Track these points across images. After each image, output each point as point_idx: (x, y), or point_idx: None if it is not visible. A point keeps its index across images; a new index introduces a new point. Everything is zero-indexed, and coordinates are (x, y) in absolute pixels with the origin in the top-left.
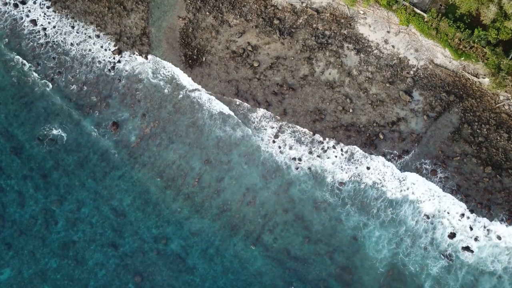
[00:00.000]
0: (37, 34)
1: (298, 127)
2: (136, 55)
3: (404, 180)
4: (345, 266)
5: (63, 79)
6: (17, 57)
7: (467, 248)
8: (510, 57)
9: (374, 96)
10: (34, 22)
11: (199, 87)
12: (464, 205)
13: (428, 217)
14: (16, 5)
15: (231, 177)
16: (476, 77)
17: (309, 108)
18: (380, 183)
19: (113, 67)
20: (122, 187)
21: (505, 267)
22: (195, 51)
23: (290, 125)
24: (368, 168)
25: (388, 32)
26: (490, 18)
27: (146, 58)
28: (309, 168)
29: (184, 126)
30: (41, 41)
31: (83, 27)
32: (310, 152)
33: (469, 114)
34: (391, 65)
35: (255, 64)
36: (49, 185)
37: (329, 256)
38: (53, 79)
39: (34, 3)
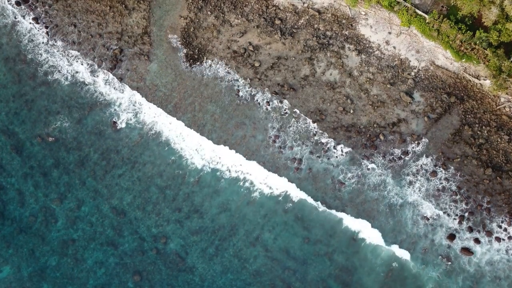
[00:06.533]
0: (39, 32)
1: (298, 127)
2: (137, 54)
3: (402, 180)
4: (344, 266)
5: (64, 78)
6: (19, 55)
7: (467, 250)
8: (511, 59)
9: (375, 97)
10: (35, 20)
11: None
12: (464, 207)
13: (427, 219)
14: (18, 3)
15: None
16: (477, 79)
17: (310, 109)
18: (380, 184)
19: (114, 66)
20: (122, 185)
21: (505, 269)
22: (196, 50)
23: (290, 125)
24: (368, 169)
25: (390, 33)
26: (491, 20)
27: (148, 57)
28: (310, 169)
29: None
30: (43, 40)
31: (85, 25)
32: (311, 153)
33: (469, 116)
34: (392, 66)
35: (256, 64)
36: (49, 183)
37: (328, 256)
38: (54, 77)
39: (37, 1)
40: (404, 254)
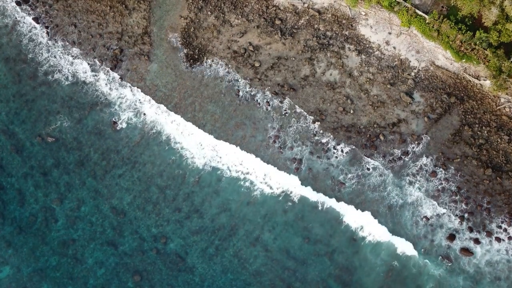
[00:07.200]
0: (39, 32)
1: (298, 127)
2: (138, 54)
3: (402, 181)
4: (344, 267)
5: (64, 78)
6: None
7: (466, 250)
8: (511, 60)
9: (375, 97)
10: (36, 20)
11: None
12: (463, 207)
13: (427, 219)
14: (18, 3)
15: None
16: (477, 79)
17: (310, 109)
18: (380, 184)
19: (115, 66)
20: (122, 185)
21: (505, 270)
22: (197, 50)
23: (290, 125)
24: (368, 169)
25: (390, 33)
26: (491, 20)
27: (148, 57)
28: (310, 169)
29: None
30: (43, 39)
31: (85, 25)
32: (311, 153)
33: (469, 116)
34: (392, 67)
35: (256, 64)
36: (49, 183)
37: (328, 256)
38: (54, 77)
39: (37, 1)
40: (407, 248)
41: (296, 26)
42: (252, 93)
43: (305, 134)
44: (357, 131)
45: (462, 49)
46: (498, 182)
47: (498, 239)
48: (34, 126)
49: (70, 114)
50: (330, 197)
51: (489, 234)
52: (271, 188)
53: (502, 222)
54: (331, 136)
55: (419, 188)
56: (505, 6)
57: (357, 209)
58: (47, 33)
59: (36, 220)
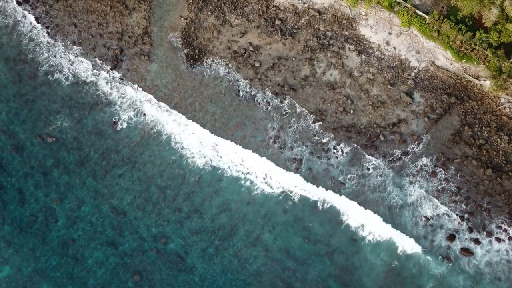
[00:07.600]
0: (39, 32)
1: (299, 127)
2: (138, 54)
3: (402, 181)
4: (344, 267)
5: (65, 77)
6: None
7: (466, 250)
8: (511, 60)
9: (375, 97)
10: (36, 20)
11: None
12: (463, 208)
13: (427, 220)
14: (19, 3)
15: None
16: (477, 79)
17: (310, 109)
18: (380, 185)
19: (115, 66)
20: (122, 185)
21: (505, 270)
22: (197, 50)
23: (290, 125)
24: (368, 169)
25: (390, 33)
26: (492, 21)
27: (148, 57)
28: (310, 169)
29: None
30: (44, 39)
31: (85, 25)
32: (311, 153)
33: (469, 116)
34: (392, 67)
35: (257, 64)
36: (49, 183)
37: (328, 256)
38: (54, 77)
39: (37, 1)
40: (407, 247)
41: (296, 26)
42: (252, 93)
43: (305, 134)
44: (357, 131)
45: (462, 49)
46: (498, 182)
47: (498, 240)
48: (34, 126)
49: (70, 114)
50: (334, 192)
51: (489, 234)
52: (271, 187)
53: (502, 223)
54: (331, 136)
55: (419, 189)
56: (505, 6)
57: (360, 206)
58: (48, 33)
59: (36, 220)
